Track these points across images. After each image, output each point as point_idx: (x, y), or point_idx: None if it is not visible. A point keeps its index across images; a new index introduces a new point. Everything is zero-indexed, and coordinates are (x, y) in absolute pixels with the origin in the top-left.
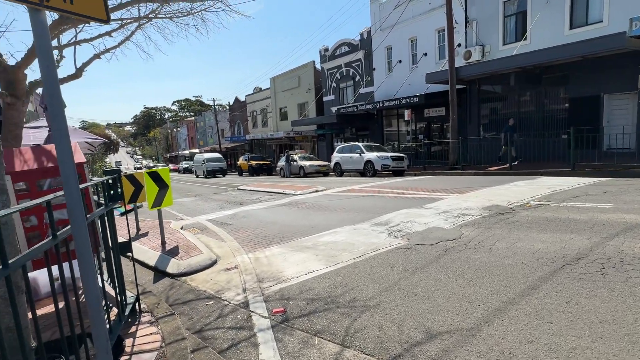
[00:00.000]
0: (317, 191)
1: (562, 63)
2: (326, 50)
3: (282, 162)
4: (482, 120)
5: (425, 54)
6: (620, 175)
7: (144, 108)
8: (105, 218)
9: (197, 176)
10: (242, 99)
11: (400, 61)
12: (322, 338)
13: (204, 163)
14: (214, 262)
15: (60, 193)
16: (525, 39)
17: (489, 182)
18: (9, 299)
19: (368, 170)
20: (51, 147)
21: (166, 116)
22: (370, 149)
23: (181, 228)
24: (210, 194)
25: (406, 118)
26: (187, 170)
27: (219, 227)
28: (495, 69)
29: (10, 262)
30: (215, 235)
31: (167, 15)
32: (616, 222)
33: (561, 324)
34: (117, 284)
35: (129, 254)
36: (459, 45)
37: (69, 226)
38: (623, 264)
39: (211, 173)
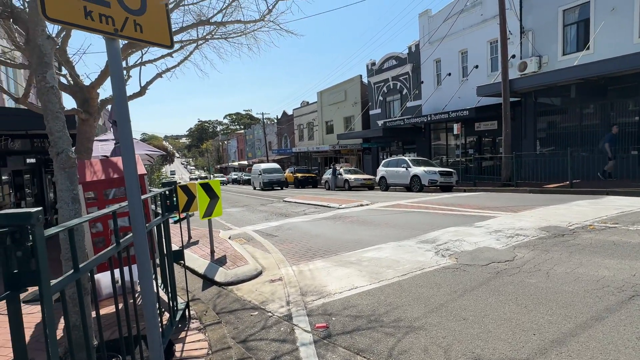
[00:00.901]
0: (361, 205)
1: (631, 73)
2: (373, 64)
3: (327, 175)
4: (539, 134)
5: (477, 66)
6: None
7: (198, 121)
8: (162, 227)
9: (255, 188)
10: (290, 112)
11: (449, 74)
12: (364, 357)
13: (261, 174)
14: (259, 273)
15: (125, 204)
16: (588, 48)
17: (546, 201)
18: (77, 300)
19: (415, 185)
20: (117, 160)
21: (218, 129)
22: (417, 163)
23: (229, 238)
24: (257, 205)
25: (455, 132)
26: (235, 181)
27: (264, 238)
28: (554, 80)
29: (80, 266)
30: (261, 246)
31: (222, 36)
32: None
33: None
34: (169, 290)
35: (182, 261)
36: (513, 56)
37: (131, 234)
38: None
39: (268, 185)
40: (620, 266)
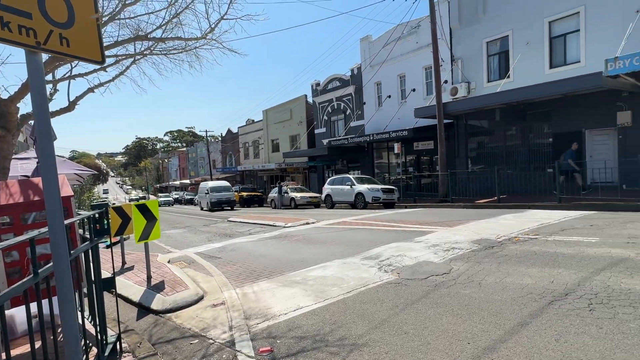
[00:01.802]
0: (307, 223)
1: (544, 100)
2: (318, 84)
3: (273, 194)
4: (470, 153)
5: (414, 90)
6: (605, 209)
7: (136, 138)
8: (90, 253)
9: (202, 208)
10: (235, 130)
11: (389, 96)
12: None
13: (208, 193)
14: (201, 298)
15: (45, 229)
16: (509, 76)
17: (478, 215)
18: None
19: (359, 203)
20: (38, 180)
21: (158, 146)
22: (361, 181)
23: (168, 261)
24: (199, 226)
25: (396, 151)
26: (176, 201)
27: (207, 261)
28: (480, 104)
29: None
30: (203, 269)
31: (162, 52)
32: (602, 256)
33: None
34: (98, 322)
35: (113, 290)
36: (446, 81)
37: (51, 263)
38: (610, 299)
39: (217, 205)
40: (541, 274)
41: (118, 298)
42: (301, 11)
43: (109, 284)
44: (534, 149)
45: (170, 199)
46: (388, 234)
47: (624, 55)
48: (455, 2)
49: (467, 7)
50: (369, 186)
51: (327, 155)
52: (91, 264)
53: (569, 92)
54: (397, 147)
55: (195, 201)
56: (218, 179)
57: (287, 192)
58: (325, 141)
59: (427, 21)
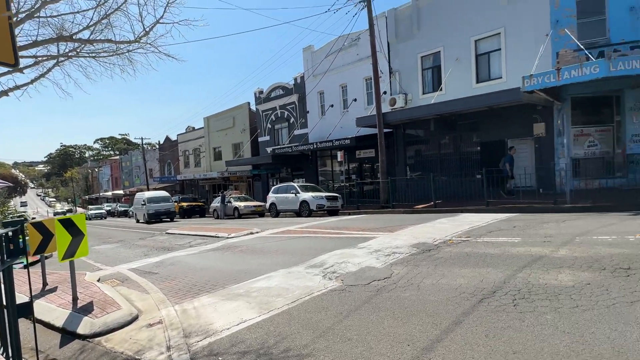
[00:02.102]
0: (252, 233)
1: (472, 112)
2: (261, 92)
3: (215, 203)
4: (409, 161)
5: (355, 100)
6: (525, 211)
7: (61, 146)
8: (2, 276)
9: (138, 221)
10: (174, 138)
11: (332, 105)
12: None
13: (145, 204)
14: (135, 318)
15: None
16: (441, 89)
17: (417, 220)
18: None
19: (304, 211)
20: None
21: (87, 155)
22: (305, 189)
23: (98, 280)
24: (134, 240)
25: (339, 159)
26: (109, 214)
27: (142, 277)
28: (416, 115)
29: None
30: (138, 286)
31: (90, 54)
32: (524, 255)
33: (481, 358)
34: (11, 354)
35: (31, 315)
36: (385, 92)
37: None
38: (530, 294)
39: (155, 217)
40: (472, 274)
41: (38, 324)
42: (243, 17)
43: (25, 310)
44: (465, 157)
45: (103, 211)
46: (332, 241)
47: (537, 73)
48: (392, 18)
49: (403, 23)
50: (314, 194)
51: (271, 164)
52: (3, 289)
53: (493, 105)
54: (340, 155)
55: (130, 213)
56: (156, 189)
57: (230, 202)
58: (269, 149)
59: (367, 34)
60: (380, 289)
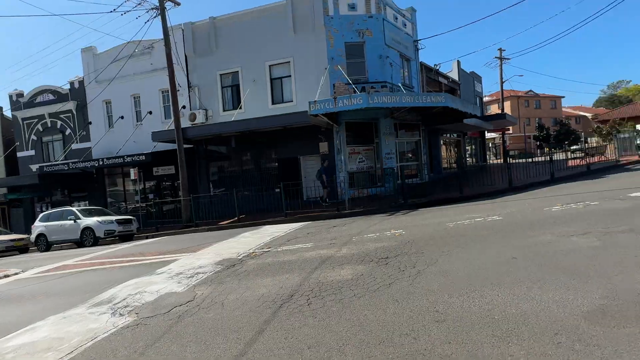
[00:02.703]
0: (6, 276)
1: (270, 130)
2: (20, 95)
3: None
4: (212, 177)
5: (151, 112)
6: (316, 219)
7: None
8: None
9: None
10: None
11: (122, 117)
12: None
13: None
14: None
15: None
16: (241, 107)
17: (221, 236)
18: None
19: (87, 239)
20: None
21: None
22: (89, 213)
23: None
24: None
25: (133, 177)
26: None
27: None
28: (217, 131)
29: None
30: None
31: None
32: (315, 257)
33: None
34: None
35: None
36: (184, 107)
37: None
38: (321, 291)
39: None
40: (273, 282)
41: None
42: None
43: None
44: (265, 172)
45: None
46: (125, 270)
47: (320, 100)
48: (190, 32)
49: (201, 39)
50: (101, 218)
51: (38, 185)
52: None
53: (286, 125)
54: (133, 172)
55: None
56: None
57: None
58: (34, 167)
59: (162, 44)
60: (182, 315)
